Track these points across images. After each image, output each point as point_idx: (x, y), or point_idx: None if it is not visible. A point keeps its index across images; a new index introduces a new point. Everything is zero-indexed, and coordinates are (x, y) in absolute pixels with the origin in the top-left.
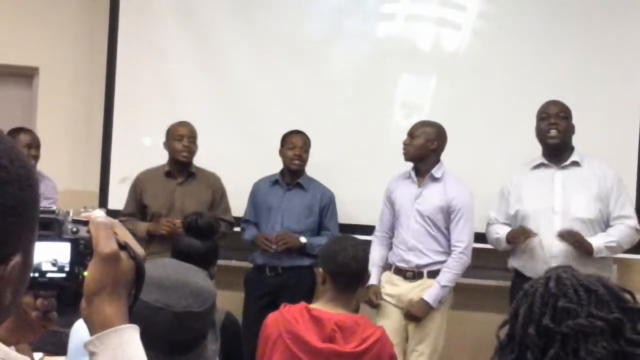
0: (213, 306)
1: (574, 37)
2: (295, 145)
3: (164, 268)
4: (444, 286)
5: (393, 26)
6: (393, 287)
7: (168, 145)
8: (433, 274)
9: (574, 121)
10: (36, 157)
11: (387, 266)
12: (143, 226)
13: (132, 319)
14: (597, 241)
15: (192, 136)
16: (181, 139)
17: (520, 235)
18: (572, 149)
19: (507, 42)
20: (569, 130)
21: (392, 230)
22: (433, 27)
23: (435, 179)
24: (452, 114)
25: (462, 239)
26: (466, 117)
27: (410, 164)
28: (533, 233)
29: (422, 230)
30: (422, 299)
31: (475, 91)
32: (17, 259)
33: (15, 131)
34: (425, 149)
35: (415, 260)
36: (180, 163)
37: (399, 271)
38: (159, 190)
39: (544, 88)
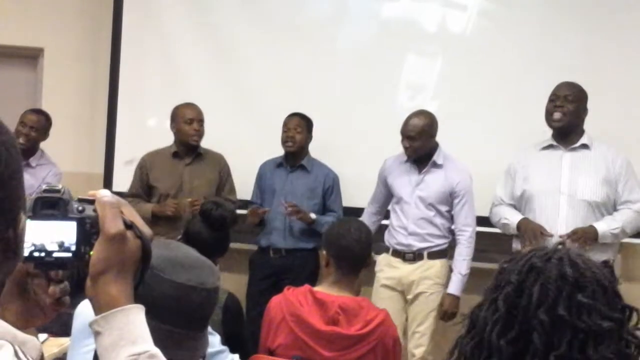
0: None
1: (583, 16)
2: (288, 127)
3: (178, 249)
4: (464, 274)
5: (398, 7)
6: (392, 270)
7: (175, 127)
8: (433, 255)
9: None
10: (37, 139)
11: (384, 248)
12: (148, 207)
13: (162, 304)
14: (603, 227)
15: (200, 119)
16: (191, 123)
17: (535, 236)
18: (582, 131)
19: (513, 23)
20: (577, 113)
21: (383, 210)
22: (438, 7)
23: (436, 165)
24: (458, 95)
25: (469, 223)
26: (472, 98)
27: None
28: (548, 234)
29: (424, 217)
30: (449, 295)
31: (481, 72)
32: (23, 218)
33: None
34: (427, 146)
35: (416, 244)
36: (189, 144)
37: (398, 253)
38: (167, 171)
39: (551, 69)
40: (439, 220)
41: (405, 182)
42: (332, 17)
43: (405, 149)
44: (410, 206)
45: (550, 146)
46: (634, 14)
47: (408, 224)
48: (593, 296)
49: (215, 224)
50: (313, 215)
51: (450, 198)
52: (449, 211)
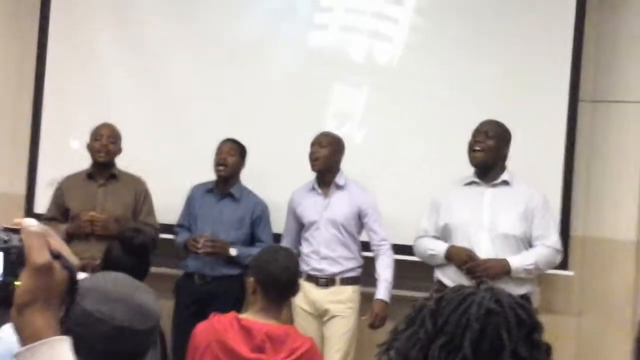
0: (156, 327)
1: (503, 54)
2: (221, 151)
3: (114, 281)
4: (390, 282)
5: (326, 36)
6: (307, 296)
7: (89, 146)
8: (345, 281)
9: None
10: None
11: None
12: (62, 227)
13: (68, 327)
14: (516, 262)
15: (111, 136)
16: (100, 139)
17: (466, 261)
18: (503, 168)
19: (439, 56)
20: (496, 150)
21: (296, 242)
22: (365, 38)
23: (339, 187)
24: (384, 125)
25: (384, 237)
26: (398, 129)
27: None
28: (477, 257)
29: (334, 239)
30: (379, 300)
31: (407, 104)
32: None
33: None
34: (333, 159)
35: (328, 268)
36: (101, 165)
37: (311, 278)
38: (80, 192)
39: (475, 102)
40: (349, 242)
41: (312, 208)
42: (260, 44)
43: (313, 159)
44: (320, 231)
45: (472, 182)
46: (548, 48)
47: (320, 248)
48: (541, 333)
49: (137, 252)
50: (233, 252)
51: (358, 219)
52: (359, 233)
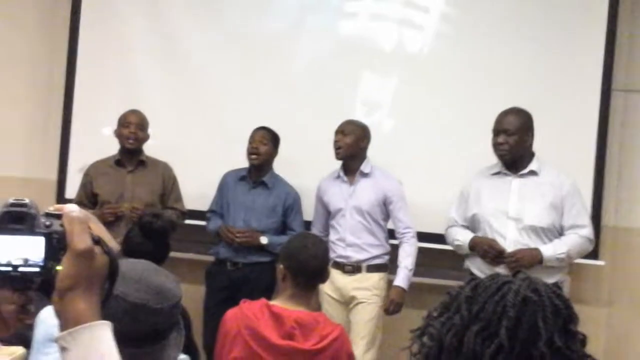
0: (175, 308)
1: (534, 42)
2: (254, 139)
3: (133, 264)
4: (410, 269)
5: (356, 24)
6: (333, 283)
7: (117, 132)
8: (371, 268)
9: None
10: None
11: None
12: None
13: (104, 314)
14: (549, 251)
15: (140, 123)
16: (128, 126)
17: (488, 251)
18: (531, 156)
19: (468, 45)
20: (520, 143)
21: (326, 230)
22: (396, 27)
23: (365, 175)
24: (411, 114)
25: (409, 225)
26: (425, 118)
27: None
28: (500, 247)
29: (360, 226)
30: (396, 287)
31: (436, 92)
32: None
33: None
34: (356, 147)
35: (354, 255)
36: (130, 151)
37: (337, 265)
38: (109, 178)
39: (504, 92)
40: (375, 229)
41: (338, 196)
42: (290, 32)
43: (336, 148)
44: (345, 218)
45: (500, 172)
46: (582, 41)
47: (345, 235)
48: (576, 324)
49: (157, 236)
50: (264, 240)
51: (384, 206)
52: (385, 220)
